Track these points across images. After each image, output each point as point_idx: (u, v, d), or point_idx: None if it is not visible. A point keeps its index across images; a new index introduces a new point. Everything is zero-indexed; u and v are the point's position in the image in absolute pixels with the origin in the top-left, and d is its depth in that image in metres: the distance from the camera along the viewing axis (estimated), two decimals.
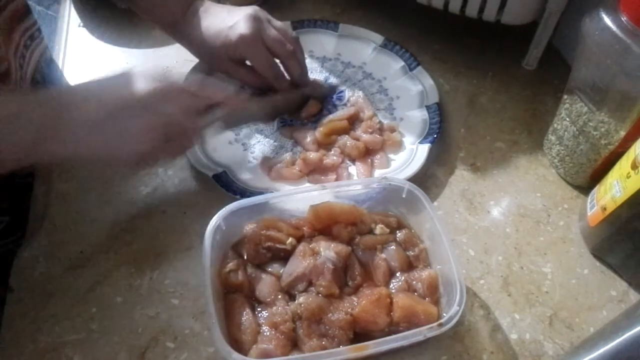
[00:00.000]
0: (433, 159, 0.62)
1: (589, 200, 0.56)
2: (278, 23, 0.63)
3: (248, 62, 0.63)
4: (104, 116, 0.48)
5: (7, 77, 0.57)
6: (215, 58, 0.62)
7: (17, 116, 0.45)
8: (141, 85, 0.49)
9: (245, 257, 0.51)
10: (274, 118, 0.65)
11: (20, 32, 0.62)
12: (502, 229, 0.58)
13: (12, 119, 0.45)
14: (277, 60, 0.63)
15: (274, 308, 0.47)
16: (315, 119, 0.66)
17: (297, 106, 0.65)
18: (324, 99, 0.67)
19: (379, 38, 0.74)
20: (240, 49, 0.60)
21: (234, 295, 0.49)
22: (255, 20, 0.59)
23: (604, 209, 0.51)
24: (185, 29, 0.62)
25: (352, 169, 0.61)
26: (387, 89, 0.70)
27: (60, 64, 0.73)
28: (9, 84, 0.58)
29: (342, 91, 0.69)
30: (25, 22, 0.63)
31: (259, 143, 0.64)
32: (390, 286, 0.50)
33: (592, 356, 0.41)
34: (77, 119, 0.48)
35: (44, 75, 0.68)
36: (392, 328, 0.46)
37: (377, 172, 0.61)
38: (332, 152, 0.62)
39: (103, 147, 0.49)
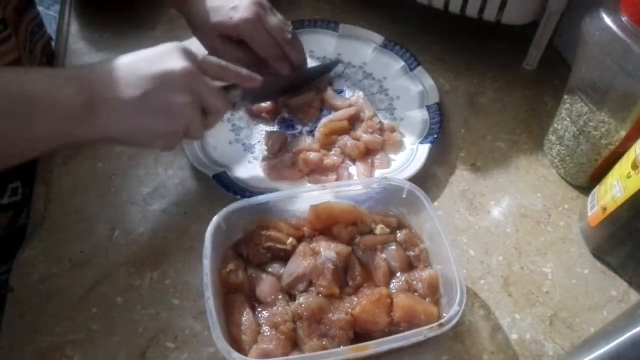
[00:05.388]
0: (433, 159, 0.62)
1: (589, 200, 0.56)
2: (279, 15, 0.64)
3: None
4: (140, 94, 0.46)
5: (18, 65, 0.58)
6: (207, 32, 0.63)
7: (41, 97, 0.43)
8: (173, 63, 0.47)
9: (246, 257, 0.51)
10: (278, 97, 0.66)
11: (25, 23, 0.62)
12: (503, 229, 0.58)
13: (37, 99, 0.42)
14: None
15: (274, 308, 0.47)
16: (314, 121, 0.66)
17: (299, 85, 0.67)
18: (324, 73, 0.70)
19: (379, 38, 0.74)
20: (241, 30, 0.61)
21: (234, 295, 0.49)
22: (258, 5, 0.61)
23: (605, 209, 0.51)
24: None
25: (353, 169, 0.61)
26: (387, 89, 0.70)
27: (60, 64, 0.73)
28: None
29: (342, 90, 0.70)
30: (30, 13, 0.63)
31: (259, 143, 0.64)
32: (391, 286, 0.50)
33: (592, 356, 0.41)
34: (110, 99, 0.46)
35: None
36: (393, 328, 0.46)
37: (378, 172, 0.61)
38: (333, 152, 0.62)
39: (139, 126, 0.48)
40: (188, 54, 0.49)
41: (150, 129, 0.48)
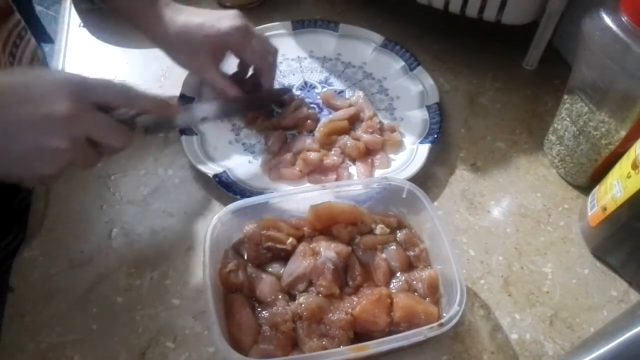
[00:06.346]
0: (433, 159, 0.62)
1: (589, 200, 0.56)
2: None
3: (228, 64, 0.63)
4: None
5: None
6: (192, 51, 0.60)
7: None
8: (55, 106, 0.41)
9: (246, 257, 0.51)
10: (225, 117, 0.64)
11: (7, 30, 0.62)
12: (503, 229, 0.58)
13: None
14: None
15: (274, 308, 0.47)
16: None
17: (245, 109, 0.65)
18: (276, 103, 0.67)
19: (379, 38, 0.74)
20: (231, 38, 0.59)
21: (234, 295, 0.49)
22: (242, 16, 0.60)
23: (605, 209, 0.51)
24: (157, 23, 0.59)
25: (353, 169, 0.61)
26: (387, 89, 0.70)
27: (60, 64, 0.73)
28: None
29: (342, 90, 0.70)
30: (10, 21, 0.63)
31: (259, 143, 0.64)
32: (391, 286, 0.50)
33: (592, 356, 0.41)
34: None
35: None
36: (393, 328, 0.46)
37: (378, 172, 0.61)
38: (333, 152, 0.62)
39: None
40: (78, 90, 0.43)
41: (14, 172, 0.43)
